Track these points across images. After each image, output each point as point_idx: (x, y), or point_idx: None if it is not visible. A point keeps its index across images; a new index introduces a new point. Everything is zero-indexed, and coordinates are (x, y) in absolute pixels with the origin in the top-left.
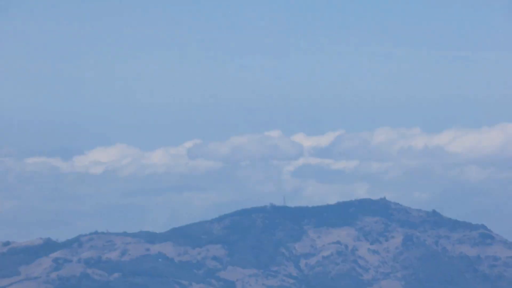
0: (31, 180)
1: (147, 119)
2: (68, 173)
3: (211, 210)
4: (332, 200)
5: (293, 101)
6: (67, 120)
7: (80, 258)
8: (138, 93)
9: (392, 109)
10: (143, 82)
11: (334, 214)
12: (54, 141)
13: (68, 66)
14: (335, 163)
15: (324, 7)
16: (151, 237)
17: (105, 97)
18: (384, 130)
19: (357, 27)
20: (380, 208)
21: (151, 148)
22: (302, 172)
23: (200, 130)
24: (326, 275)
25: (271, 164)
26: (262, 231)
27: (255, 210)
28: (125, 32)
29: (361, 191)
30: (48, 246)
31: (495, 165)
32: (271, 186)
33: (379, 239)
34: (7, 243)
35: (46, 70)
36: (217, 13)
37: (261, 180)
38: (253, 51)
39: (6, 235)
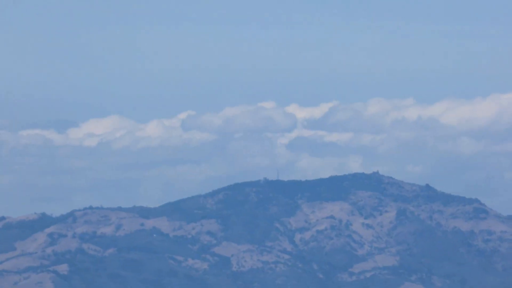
0: (25, 153)
1: (141, 90)
2: (62, 146)
3: (204, 183)
4: (326, 173)
5: (287, 72)
6: (61, 92)
7: (75, 233)
8: (133, 64)
9: (386, 80)
10: (137, 53)
11: (327, 188)
12: (49, 113)
13: (62, 38)
14: (328, 135)
15: None
16: (145, 212)
17: (99, 68)
18: (378, 100)
19: None
20: (373, 182)
21: (145, 120)
22: (295, 145)
23: (194, 101)
24: (320, 250)
25: (265, 136)
26: (256, 205)
27: (248, 184)
28: (117, 4)
29: (354, 165)
30: (43, 221)
31: (489, 137)
32: (265, 159)
33: (373, 214)
34: (2, 218)
35: (39, 42)
36: None
37: (254, 153)
38: (247, 21)
39: (1, 210)
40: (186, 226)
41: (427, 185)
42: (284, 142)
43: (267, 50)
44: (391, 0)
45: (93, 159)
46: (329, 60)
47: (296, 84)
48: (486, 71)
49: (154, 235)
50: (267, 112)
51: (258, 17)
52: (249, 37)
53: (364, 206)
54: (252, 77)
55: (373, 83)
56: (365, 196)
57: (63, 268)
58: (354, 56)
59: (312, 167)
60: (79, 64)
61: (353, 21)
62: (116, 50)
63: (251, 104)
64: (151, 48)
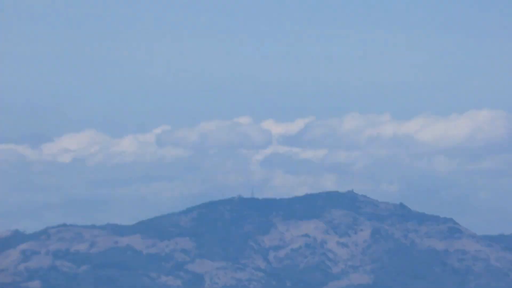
0: None
1: (116, 104)
2: (36, 161)
3: (179, 201)
4: (300, 191)
5: (263, 87)
6: (36, 106)
7: (48, 250)
8: (108, 78)
9: (362, 95)
10: (112, 67)
11: (302, 207)
12: (23, 127)
13: (37, 50)
14: (303, 152)
15: None
16: (119, 230)
17: (74, 82)
18: (354, 116)
19: (326, 12)
20: (348, 200)
21: (120, 135)
22: (270, 162)
23: (169, 115)
24: (294, 268)
25: (240, 153)
26: (230, 223)
27: (223, 202)
28: (96, 17)
29: (329, 182)
30: (16, 237)
31: (464, 155)
32: (239, 176)
33: (348, 232)
34: None
35: (14, 53)
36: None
37: (229, 170)
38: (223, 36)
39: None
40: (160, 243)
41: (401, 204)
42: (259, 158)
43: (243, 65)
44: (367, 13)
45: (67, 175)
46: (305, 75)
47: (272, 99)
48: (462, 87)
49: (128, 252)
50: (242, 128)
51: (232, 32)
52: (224, 52)
53: (339, 224)
54: (228, 92)
55: (350, 98)
56: (340, 215)
57: (35, 285)
58: (331, 70)
59: (286, 185)
60: (54, 77)
61: (329, 35)
62: (91, 64)
63: (226, 119)
64: (126, 62)
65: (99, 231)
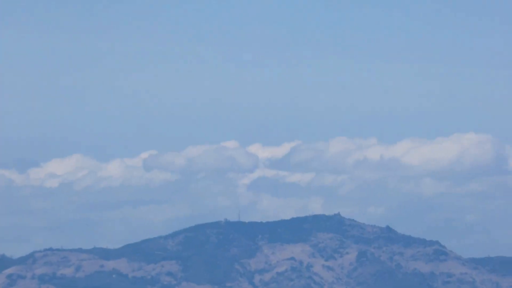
0: None
1: (103, 128)
2: (23, 186)
3: (166, 225)
4: (287, 215)
5: (249, 112)
6: (22, 131)
7: (34, 274)
8: (94, 103)
9: (348, 120)
10: (99, 92)
11: (288, 230)
12: (10, 152)
13: (23, 76)
14: (290, 176)
15: (280, 19)
16: (105, 253)
17: (60, 108)
18: (340, 140)
19: (313, 38)
20: (334, 224)
21: (107, 159)
22: (257, 186)
23: (156, 140)
24: None
25: (227, 177)
26: (217, 246)
27: (209, 226)
28: (81, 44)
29: (316, 206)
30: (2, 262)
31: (450, 178)
32: (226, 200)
33: (334, 256)
34: None
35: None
36: (172, 25)
37: (216, 194)
38: (209, 62)
39: None
40: (146, 267)
41: (388, 227)
42: (246, 182)
43: (229, 89)
44: (352, 39)
45: (54, 199)
46: (292, 99)
47: (259, 124)
48: (447, 110)
49: (114, 275)
50: (229, 152)
51: (218, 58)
52: (210, 77)
53: (325, 248)
54: (214, 116)
55: (336, 122)
56: (326, 238)
57: None
58: (317, 95)
59: (273, 208)
60: (41, 103)
61: (315, 60)
62: (77, 89)
63: (213, 144)
64: (112, 87)
65: (86, 255)
